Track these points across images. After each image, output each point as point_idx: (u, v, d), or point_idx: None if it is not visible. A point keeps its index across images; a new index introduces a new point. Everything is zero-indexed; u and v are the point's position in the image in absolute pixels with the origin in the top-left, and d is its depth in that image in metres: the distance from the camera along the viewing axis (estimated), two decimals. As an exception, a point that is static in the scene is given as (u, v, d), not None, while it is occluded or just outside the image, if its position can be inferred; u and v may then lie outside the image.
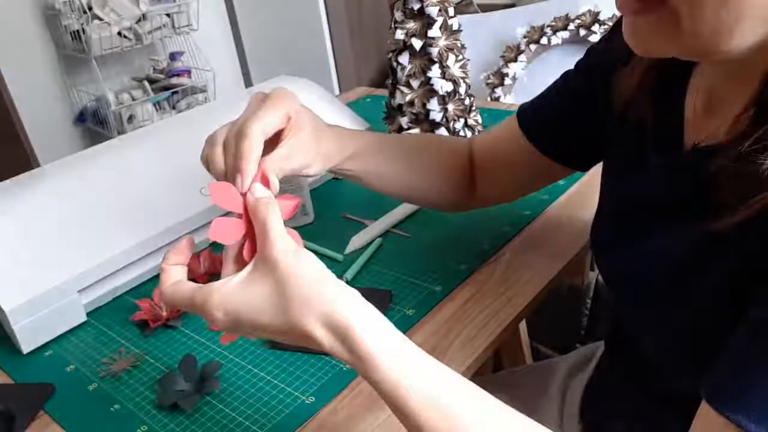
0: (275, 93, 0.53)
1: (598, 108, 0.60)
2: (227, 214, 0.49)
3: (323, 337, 0.41)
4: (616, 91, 0.56)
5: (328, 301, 0.41)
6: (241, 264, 0.47)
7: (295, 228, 0.93)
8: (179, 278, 0.48)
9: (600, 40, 0.63)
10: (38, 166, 1.86)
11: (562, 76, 0.68)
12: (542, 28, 1.96)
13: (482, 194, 0.75)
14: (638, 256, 0.51)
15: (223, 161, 0.51)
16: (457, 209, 0.79)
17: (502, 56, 2.00)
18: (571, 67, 0.66)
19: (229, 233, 0.48)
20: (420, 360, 0.42)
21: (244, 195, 0.48)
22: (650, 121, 0.52)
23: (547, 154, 0.67)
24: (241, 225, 0.48)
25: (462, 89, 0.95)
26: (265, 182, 0.49)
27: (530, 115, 0.69)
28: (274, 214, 0.45)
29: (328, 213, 0.93)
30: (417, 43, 0.91)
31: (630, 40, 0.42)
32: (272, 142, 0.52)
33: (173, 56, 2.49)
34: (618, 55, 0.55)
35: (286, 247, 0.43)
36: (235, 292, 0.43)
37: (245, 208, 0.48)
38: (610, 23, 1.87)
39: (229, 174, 0.50)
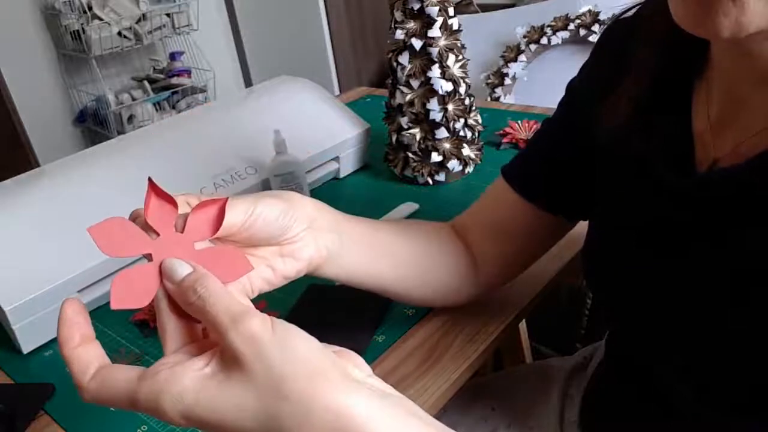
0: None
1: (585, 143, 0.56)
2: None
3: None
4: (605, 119, 0.52)
5: (335, 407, 0.30)
6: (177, 314, 0.34)
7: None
8: (102, 362, 0.34)
9: (581, 70, 0.60)
10: (38, 166, 1.85)
11: (543, 123, 0.64)
12: (542, 28, 1.96)
13: (487, 279, 0.65)
14: (654, 282, 0.48)
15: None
16: (465, 300, 0.67)
17: (502, 56, 2.00)
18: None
19: (140, 290, 0.33)
20: None
21: (146, 226, 0.36)
22: (654, 141, 0.49)
23: (551, 211, 0.61)
24: (156, 271, 0.34)
25: (462, 89, 0.95)
26: (170, 202, 0.37)
27: (522, 174, 0.63)
28: (215, 293, 0.32)
29: (328, 213, 0.93)
30: (417, 43, 0.91)
31: (686, 11, 0.37)
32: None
33: (173, 56, 2.50)
34: (600, 83, 0.53)
35: (253, 333, 0.30)
36: (194, 391, 0.31)
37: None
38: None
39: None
